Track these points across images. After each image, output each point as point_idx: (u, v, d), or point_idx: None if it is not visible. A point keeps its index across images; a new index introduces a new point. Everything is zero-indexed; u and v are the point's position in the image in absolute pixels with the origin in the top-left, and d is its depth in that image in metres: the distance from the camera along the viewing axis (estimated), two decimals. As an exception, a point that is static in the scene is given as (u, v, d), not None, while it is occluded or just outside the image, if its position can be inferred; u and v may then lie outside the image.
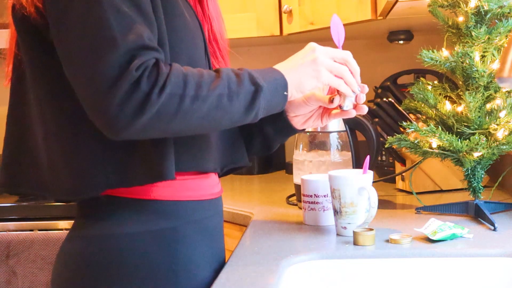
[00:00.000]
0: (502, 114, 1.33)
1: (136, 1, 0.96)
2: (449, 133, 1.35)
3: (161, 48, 0.99)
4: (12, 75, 1.10)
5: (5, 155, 1.11)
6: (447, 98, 1.41)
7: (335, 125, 1.60)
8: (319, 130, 1.62)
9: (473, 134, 1.35)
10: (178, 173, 1.05)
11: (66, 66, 0.97)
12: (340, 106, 1.16)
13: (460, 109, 1.36)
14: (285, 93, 1.05)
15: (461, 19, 1.37)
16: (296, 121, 1.25)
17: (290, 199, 1.70)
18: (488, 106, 1.35)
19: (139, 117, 0.90)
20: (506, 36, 1.34)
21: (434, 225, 1.21)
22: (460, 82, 1.40)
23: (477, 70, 1.33)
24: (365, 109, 1.17)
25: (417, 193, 1.61)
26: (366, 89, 1.15)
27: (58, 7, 0.96)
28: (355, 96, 1.14)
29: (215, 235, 1.16)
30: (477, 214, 1.38)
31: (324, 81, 1.08)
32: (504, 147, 1.34)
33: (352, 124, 1.58)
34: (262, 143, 1.30)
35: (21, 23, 1.03)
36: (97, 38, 0.92)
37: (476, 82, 1.35)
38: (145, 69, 0.91)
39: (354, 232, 1.19)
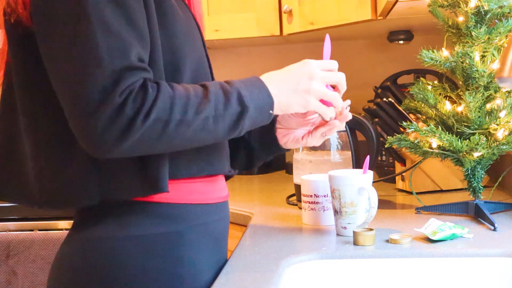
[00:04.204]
0: (502, 114, 1.33)
1: (127, 14, 0.93)
2: (449, 133, 1.35)
3: (155, 62, 0.98)
4: (3, 81, 1.07)
5: None
6: (447, 98, 1.41)
7: (335, 125, 1.60)
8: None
9: (473, 134, 1.35)
10: (187, 177, 1.05)
11: (53, 82, 0.96)
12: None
13: (460, 109, 1.36)
14: (271, 111, 1.05)
15: (461, 19, 1.37)
16: (279, 132, 1.25)
17: (290, 199, 1.70)
18: (488, 106, 1.35)
19: (122, 141, 0.90)
20: (506, 36, 1.34)
21: (434, 225, 1.21)
22: (460, 82, 1.40)
23: (477, 70, 1.33)
24: (349, 116, 1.17)
25: (417, 193, 1.61)
26: (348, 102, 1.16)
27: (44, 19, 0.94)
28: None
29: (220, 240, 1.14)
30: (477, 214, 1.38)
31: (311, 109, 1.09)
32: (504, 147, 1.34)
33: (352, 124, 1.58)
34: (246, 156, 1.30)
35: (13, 29, 1.01)
36: (83, 57, 0.91)
37: (476, 82, 1.35)
38: (130, 93, 0.90)
39: (354, 232, 1.19)
